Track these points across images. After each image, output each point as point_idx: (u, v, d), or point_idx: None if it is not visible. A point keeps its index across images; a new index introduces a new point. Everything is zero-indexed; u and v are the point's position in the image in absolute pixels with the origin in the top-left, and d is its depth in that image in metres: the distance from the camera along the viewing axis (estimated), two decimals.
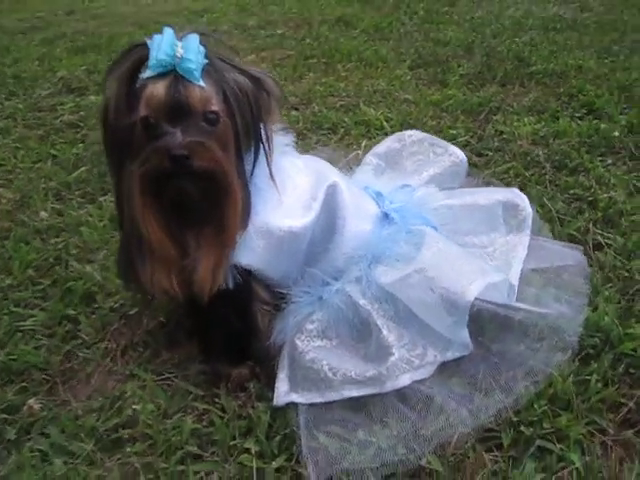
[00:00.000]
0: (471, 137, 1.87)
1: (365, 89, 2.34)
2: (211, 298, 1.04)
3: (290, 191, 1.10)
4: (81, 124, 2.28)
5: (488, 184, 1.50)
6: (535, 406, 1.01)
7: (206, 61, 0.94)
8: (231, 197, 0.97)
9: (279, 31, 3.17)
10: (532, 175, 1.65)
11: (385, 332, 1.04)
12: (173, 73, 0.92)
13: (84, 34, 3.51)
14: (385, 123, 2.00)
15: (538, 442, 0.97)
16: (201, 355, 1.19)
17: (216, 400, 1.10)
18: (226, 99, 0.96)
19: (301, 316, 1.11)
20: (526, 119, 1.96)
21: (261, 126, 1.01)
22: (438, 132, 1.88)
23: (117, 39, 3.27)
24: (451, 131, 1.89)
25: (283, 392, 1.05)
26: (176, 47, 0.92)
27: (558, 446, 0.96)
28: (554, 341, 1.08)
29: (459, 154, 1.38)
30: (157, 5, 4.14)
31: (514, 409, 1.00)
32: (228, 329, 1.12)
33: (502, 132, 1.90)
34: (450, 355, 1.06)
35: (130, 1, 4.25)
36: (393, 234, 1.15)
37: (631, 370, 1.07)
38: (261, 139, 1.02)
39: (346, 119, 2.06)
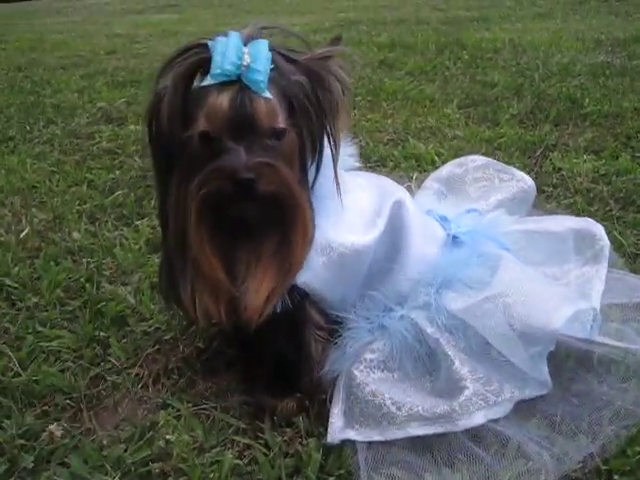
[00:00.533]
0: (528, 173, 1.75)
1: (413, 126, 2.27)
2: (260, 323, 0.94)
3: (352, 206, 1.00)
4: (119, 151, 2.24)
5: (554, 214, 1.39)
6: (628, 453, 0.87)
7: (272, 66, 0.84)
8: (299, 220, 0.88)
9: None
10: (597, 211, 1.54)
11: (457, 364, 0.92)
12: (238, 83, 0.82)
13: (124, 70, 3.53)
14: (436, 157, 1.91)
15: None
16: (243, 385, 1.08)
17: (259, 435, 0.98)
18: (291, 108, 0.86)
19: (360, 345, 1.00)
20: (585, 156, 1.87)
21: (327, 129, 0.92)
22: None
23: None
24: None
25: (338, 428, 0.93)
26: (243, 54, 0.82)
27: None
28: None
29: (527, 180, 1.27)
30: None
31: (602, 456, 0.87)
32: (277, 357, 1.01)
33: (560, 169, 1.80)
34: (528, 393, 0.94)
35: (172, 43, 4.26)
36: (464, 257, 1.04)
37: None
38: (327, 143, 0.92)
39: (395, 152, 1.99)
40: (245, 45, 0.84)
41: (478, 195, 1.26)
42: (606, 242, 1.15)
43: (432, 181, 1.31)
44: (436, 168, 1.82)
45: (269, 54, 0.84)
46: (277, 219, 0.87)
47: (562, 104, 2.37)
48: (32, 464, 0.95)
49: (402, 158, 1.95)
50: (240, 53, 0.82)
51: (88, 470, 0.93)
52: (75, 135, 2.44)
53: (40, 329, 1.25)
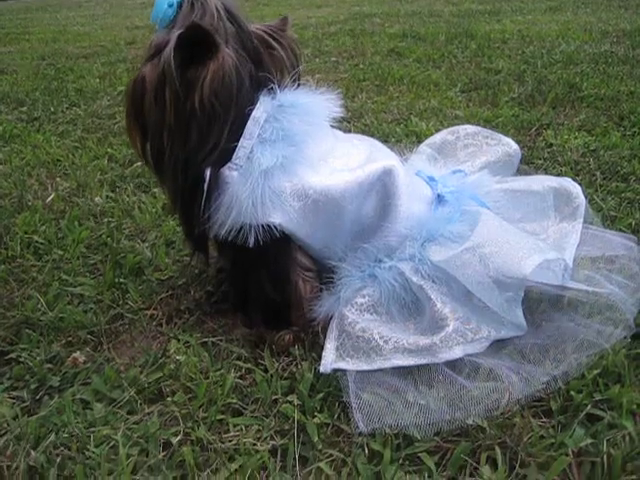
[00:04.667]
0: (521, 148, 1.85)
1: (416, 107, 2.37)
2: (247, 265, 1.08)
3: (339, 156, 1.11)
4: None
5: None
6: (586, 376, 0.98)
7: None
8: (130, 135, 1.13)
9: (333, 59, 3.26)
10: (582, 180, 1.64)
11: (439, 305, 1.02)
12: None
13: None
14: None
15: (588, 410, 0.93)
16: (245, 322, 1.19)
17: (259, 361, 1.09)
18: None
19: (352, 290, 1.10)
20: (577, 134, 1.96)
21: None
22: None
23: None
24: None
25: (330, 360, 1.03)
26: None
27: (609, 414, 0.92)
28: (606, 316, 1.05)
29: (513, 144, 1.37)
30: None
31: (564, 379, 0.98)
32: (265, 298, 1.12)
33: (552, 144, 1.90)
34: (504, 333, 1.04)
35: None
36: (447, 214, 1.14)
37: None
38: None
39: (397, 130, 2.09)
40: None
41: (466, 159, 1.37)
42: (582, 199, 1.25)
43: (425, 146, 1.42)
44: None
45: (167, 4, 1.01)
46: None
47: (561, 88, 2.46)
48: (58, 383, 1.07)
49: (404, 135, 2.05)
50: None
51: (107, 388, 1.05)
52: (97, 116, 2.57)
53: (65, 277, 1.38)
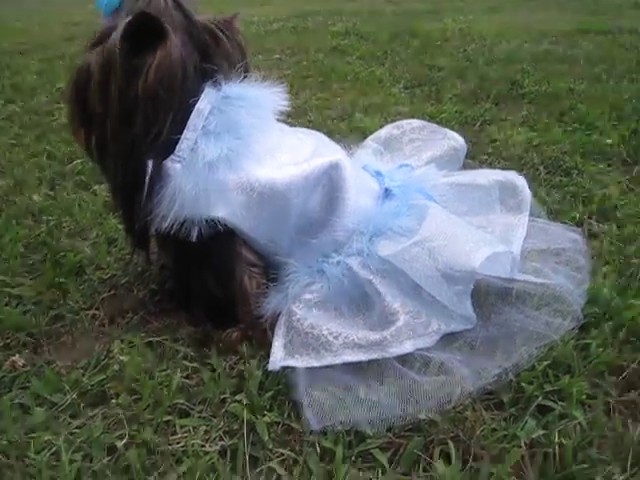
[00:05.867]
0: (466, 143, 1.88)
1: (360, 103, 2.37)
2: (190, 260, 1.05)
3: (285, 150, 1.09)
4: None
5: None
6: (536, 367, 0.99)
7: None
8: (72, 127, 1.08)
9: (276, 56, 3.23)
10: (527, 174, 1.65)
11: (389, 299, 1.02)
12: None
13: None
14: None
15: (539, 401, 0.94)
16: (190, 321, 1.16)
17: (206, 360, 1.07)
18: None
19: (300, 286, 1.08)
20: (520, 129, 1.99)
21: None
22: None
23: None
24: None
25: (279, 357, 1.01)
26: None
27: (560, 404, 0.93)
28: (554, 308, 1.07)
29: (458, 139, 1.39)
30: None
31: (514, 372, 0.98)
32: (209, 295, 1.10)
33: (496, 140, 1.93)
34: (454, 327, 1.04)
35: None
36: (395, 208, 1.13)
37: (632, 338, 1.06)
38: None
39: (342, 126, 2.08)
40: None
41: (412, 153, 1.37)
42: (527, 192, 1.27)
43: (371, 141, 1.41)
44: None
45: None
46: None
47: (503, 85, 2.50)
48: None
49: (348, 131, 2.04)
50: None
51: (48, 391, 1.00)
52: (35, 112, 2.47)
53: (2, 278, 1.31)
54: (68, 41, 4.32)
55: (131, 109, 0.98)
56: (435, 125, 1.43)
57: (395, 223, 1.10)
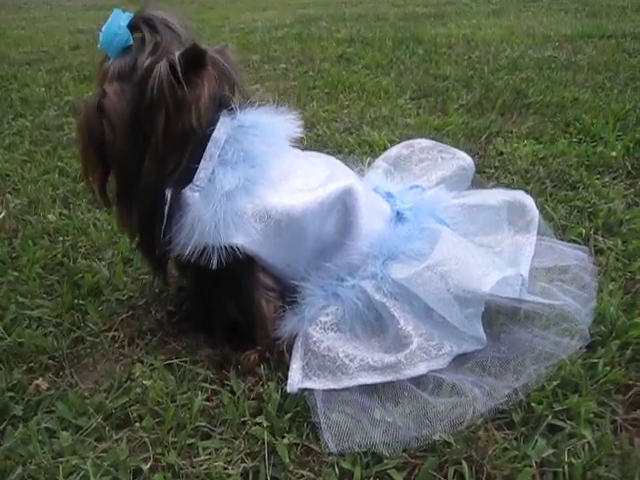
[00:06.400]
0: (472, 156, 1.90)
1: (367, 115, 2.40)
2: (209, 285, 1.08)
3: (300, 174, 1.13)
4: None
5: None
6: (545, 387, 1.02)
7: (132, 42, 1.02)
8: (86, 168, 1.12)
9: (282, 65, 3.26)
10: (533, 188, 1.69)
11: (403, 323, 1.05)
12: None
13: (90, 65, 3.59)
14: (388, 144, 2.04)
15: (549, 420, 0.97)
16: (210, 341, 1.19)
17: (225, 382, 1.10)
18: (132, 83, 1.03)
19: (315, 309, 1.12)
20: (526, 142, 2.02)
21: None
22: None
23: None
24: None
25: (297, 380, 1.05)
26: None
27: (568, 423, 0.96)
28: (562, 328, 1.10)
29: (467, 158, 1.42)
30: None
31: (524, 392, 1.01)
32: (227, 319, 1.14)
33: (502, 152, 1.95)
34: (465, 348, 1.07)
35: None
36: (407, 232, 1.17)
37: (637, 356, 1.09)
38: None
39: (350, 139, 2.12)
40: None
41: (422, 173, 1.40)
42: (536, 212, 1.30)
43: (381, 161, 1.44)
44: None
45: (121, 31, 0.99)
46: None
47: (508, 95, 2.52)
48: (22, 412, 1.05)
49: (356, 145, 2.08)
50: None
51: (73, 415, 1.03)
52: (44, 127, 2.51)
53: (22, 300, 1.35)
54: (74, 50, 4.38)
55: (174, 144, 1.01)
56: (444, 145, 1.46)
57: (408, 247, 1.13)
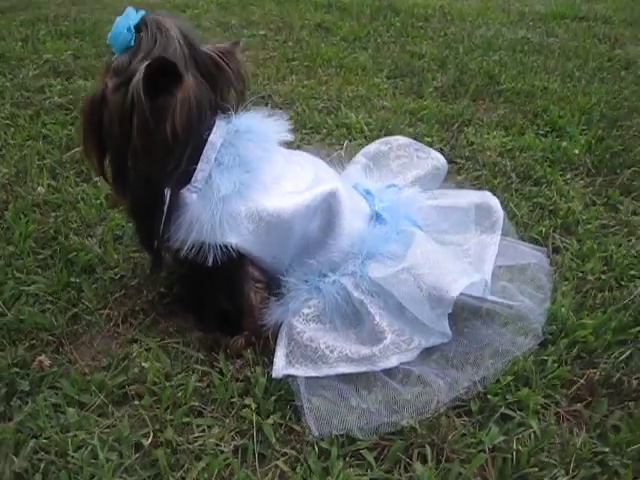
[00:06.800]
0: (445, 146, 2.02)
1: (345, 94, 2.47)
2: (203, 276, 1.18)
3: (289, 177, 1.22)
4: (70, 106, 2.34)
5: (461, 188, 1.65)
6: (500, 380, 1.15)
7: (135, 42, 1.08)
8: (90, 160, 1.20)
9: (261, 32, 3.29)
10: (499, 183, 1.81)
11: (378, 319, 1.17)
12: None
13: (66, 19, 3.55)
14: (365, 127, 2.14)
15: (502, 410, 1.11)
16: (200, 324, 1.30)
17: (215, 364, 1.21)
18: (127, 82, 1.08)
19: (299, 302, 1.23)
20: (495, 132, 2.13)
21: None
22: (415, 139, 2.03)
23: (100, 26, 3.32)
24: (427, 139, 2.04)
25: (281, 366, 1.16)
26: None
27: (519, 414, 1.11)
28: (518, 326, 1.23)
29: (441, 159, 1.52)
30: None
31: (482, 384, 1.15)
32: (218, 307, 1.24)
33: (473, 143, 2.06)
34: (432, 342, 1.20)
35: None
36: (385, 233, 1.27)
37: (582, 354, 1.23)
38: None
39: (329, 120, 2.19)
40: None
41: (398, 170, 1.51)
42: (501, 213, 1.42)
43: (361, 156, 1.54)
44: (364, 136, 2.07)
45: (126, 30, 1.07)
46: None
47: (481, 79, 2.62)
48: (28, 387, 1.14)
49: (334, 126, 2.16)
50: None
51: (76, 392, 1.13)
52: (25, 88, 2.52)
53: (18, 275, 1.43)
54: None
55: (153, 145, 1.09)
56: (419, 144, 1.57)
57: (385, 248, 1.25)
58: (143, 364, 1.18)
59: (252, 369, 1.18)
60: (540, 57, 2.96)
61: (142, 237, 1.22)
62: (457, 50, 3.03)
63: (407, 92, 2.53)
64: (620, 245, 1.55)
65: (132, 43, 1.08)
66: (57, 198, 1.74)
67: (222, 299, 1.22)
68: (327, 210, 1.22)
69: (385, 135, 2.01)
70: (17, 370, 1.18)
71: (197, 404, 1.12)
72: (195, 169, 1.14)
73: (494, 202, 1.43)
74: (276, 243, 1.20)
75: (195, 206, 1.14)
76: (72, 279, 1.42)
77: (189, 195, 1.14)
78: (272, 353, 1.20)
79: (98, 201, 1.72)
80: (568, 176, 1.87)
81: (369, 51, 3.03)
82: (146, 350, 1.24)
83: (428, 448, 1.05)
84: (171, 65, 1.06)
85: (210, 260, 1.13)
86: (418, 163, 1.51)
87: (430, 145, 1.97)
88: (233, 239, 1.14)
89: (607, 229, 1.62)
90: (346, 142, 1.98)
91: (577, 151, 1.96)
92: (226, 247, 1.14)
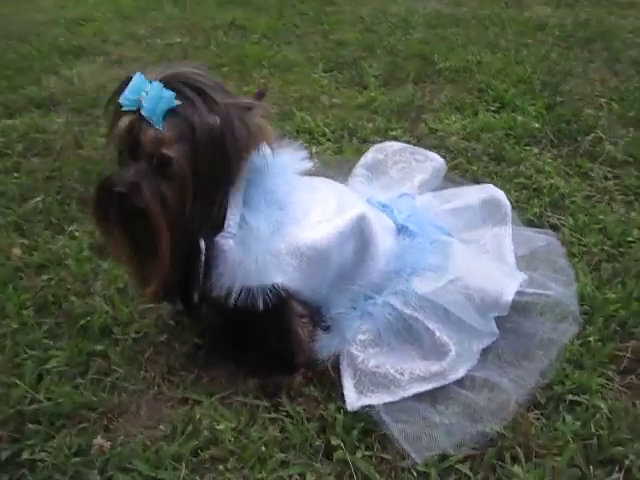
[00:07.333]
0: (410, 137, 2.05)
1: (291, 96, 2.45)
2: (252, 319, 1.15)
3: (316, 206, 1.22)
4: (8, 151, 2.18)
5: (450, 180, 1.67)
6: (557, 367, 1.21)
7: (177, 102, 1.02)
8: (157, 238, 1.05)
9: (177, 40, 3.18)
10: (478, 169, 1.86)
11: (438, 334, 1.19)
12: (139, 113, 1.02)
13: None
14: (326, 130, 2.13)
15: (568, 397, 1.17)
16: (251, 371, 1.27)
17: (280, 408, 1.19)
18: (191, 141, 1.03)
19: (352, 330, 1.23)
20: (453, 117, 2.19)
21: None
22: (379, 134, 2.06)
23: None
24: (391, 132, 2.07)
25: (354, 398, 1.16)
26: (141, 92, 1.01)
27: (583, 397, 1.17)
28: (556, 313, 1.29)
29: (438, 159, 1.55)
30: (28, 14, 3.90)
31: (544, 376, 1.19)
32: (270, 349, 1.22)
33: (436, 130, 2.11)
34: (485, 343, 1.24)
35: None
36: (418, 244, 1.29)
37: (617, 328, 1.31)
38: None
39: (288, 127, 2.17)
40: (150, 83, 1.02)
41: (400, 176, 1.52)
42: (508, 205, 1.46)
43: (360, 168, 1.54)
44: (327, 139, 2.07)
45: (166, 93, 1.01)
46: (145, 227, 1.05)
47: (416, 63, 2.67)
48: (99, 477, 1.07)
49: (295, 132, 2.14)
50: (138, 92, 1.02)
51: (152, 469, 1.08)
52: None
53: (32, 353, 1.33)
54: None
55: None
56: (413, 147, 1.59)
57: (424, 261, 1.26)
58: (215, 425, 1.14)
59: (322, 406, 1.18)
60: (459, 29, 3.04)
61: (180, 290, 1.18)
62: (379, 34, 3.06)
63: (349, 84, 2.54)
64: (607, 213, 1.64)
65: (174, 104, 1.02)
66: (38, 258, 1.63)
67: (273, 340, 1.21)
68: (359, 233, 1.23)
69: (349, 136, 2.03)
70: (78, 460, 1.11)
71: (282, 455, 1.11)
72: (223, 215, 1.11)
73: (500, 195, 1.47)
74: (317, 275, 1.19)
75: (234, 252, 1.11)
76: (94, 347, 1.34)
77: (225, 242, 1.11)
78: (332, 386, 1.20)
79: (84, 253, 1.63)
80: (535, 150, 1.96)
81: (294, 45, 3.00)
82: (207, 409, 1.20)
83: (518, 449, 1.08)
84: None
85: (260, 304, 1.11)
86: (417, 167, 1.53)
87: (396, 139, 2.00)
88: (279, 278, 1.13)
89: (591, 199, 1.71)
90: (314, 148, 1.97)
91: (537, 125, 2.04)
92: (274, 287, 1.12)
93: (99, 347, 1.34)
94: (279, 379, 1.23)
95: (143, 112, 1.01)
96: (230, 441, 1.12)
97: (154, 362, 1.32)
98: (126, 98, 1.02)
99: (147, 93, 1.00)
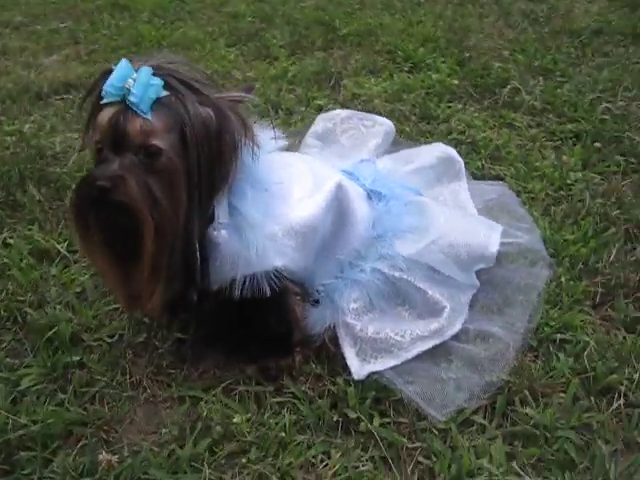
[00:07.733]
0: (334, 103, 2.05)
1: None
2: (252, 304, 1.12)
3: (295, 181, 1.20)
4: None
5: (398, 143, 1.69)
6: (541, 310, 1.27)
7: (165, 93, 0.97)
8: (144, 233, 0.98)
9: (61, 24, 2.95)
10: (411, 130, 1.89)
11: (430, 292, 1.21)
12: (124, 103, 0.96)
13: None
14: (249, 104, 2.07)
15: (557, 337, 1.23)
16: (247, 357, 1.24)
17: (285, 391, 1.17)
18: (182, 134, 0.99)
19: (344, 300, 1.22)
20: (372, 79, 2.20)
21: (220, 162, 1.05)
22: (302, 103, 2.05)
23: None
24: (317, 102, 2.05)
25: (358, 366, 1.16)
26: (128, 79, 0.95)
27: (570, 334, 1.24)
28: (528, 260, 1.35)
29: (387, 122, 1.56)
30: None
31: (531, 320, 1.25)
32: (268, 331, 1.20)
33: (359, 95, 2.11)
34: (469, 294, 1.28)
35: None
36: (393, 208, 1.30)
37: (581, 266, 1.39)
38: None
39: None
40: (135, 71, 0.97)
41: (352, 143, 1.52)
42: (461, 161, 1.51)
43: (311, 138, 1.52)
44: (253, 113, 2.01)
45: (155, 80, 0.96)
46: (130, 228, 0.98)
47: (318, 30, 2.65)
48: None
49: None
50: (124, 78, 0.95)
51: (172, 477, 1.04)
52: None
53: (5, 375, 1.22)
54: None
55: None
56: (360, 113, 1.59)
57: (402, 223, 1.27)
58: (229, 419, 1.10)
59: (329, 382, 1.17)
60: None
61: (182, 298, 1.12)
62: (271, 2, 3.01)
63: (257, 57, 2.48)
64: (541, 160, 1.73)
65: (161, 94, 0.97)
66: None
67: (274, 323, 1.19)
68: (337, 203, 1.22)
69: (274, 109, 2.00)
70: None
71: (301, 437, 1.09)
72: (210, 206, 1.07)
73: (452, 151, 1.51)
74: (308, 252, 1.18)
75: (230, 242, 1.08)
76: (68, 358, 1.25)
77: (218, 233, 1.07)
78: (331, 360, 1.20)
79: (28, 261, 1.50)
80: (460, 106, 2.02)
81: (188, 22, 2.88)
82: (213, 404, 1.15)
83: (526, 392, 1.13)
84: None
85: (267, 290, 1.09)
86: (368, 132, 1.53)
87: (322, 108, 1.99)
88: (279, 261, 1.11)
89: (523, 149, 1.79)
90: None
91: (456, 81, 2.10)
92: (276, 270, 1.11)
93: (75, 358, 1.25)
94: (280, 361, 1.21)
95: (131, 99, 0.94)
96: (248, 432, 1.09)
97: (137, 365, 1.25)
98: (111, 86, 0.94)
99: (134, 80, 0.93)
